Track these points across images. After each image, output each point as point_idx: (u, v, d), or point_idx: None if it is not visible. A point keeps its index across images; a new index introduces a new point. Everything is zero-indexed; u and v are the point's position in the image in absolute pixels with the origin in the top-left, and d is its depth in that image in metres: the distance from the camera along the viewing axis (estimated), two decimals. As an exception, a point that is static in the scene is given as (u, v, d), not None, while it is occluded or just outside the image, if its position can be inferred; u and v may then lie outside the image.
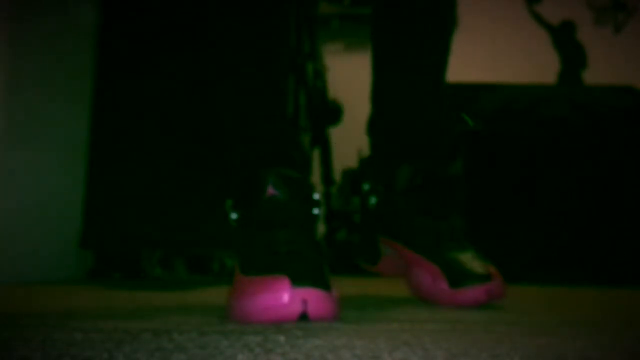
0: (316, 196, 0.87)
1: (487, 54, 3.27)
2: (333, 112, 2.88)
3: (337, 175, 3.17)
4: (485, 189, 2.58)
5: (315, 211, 0.87)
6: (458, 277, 0.93)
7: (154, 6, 1.83)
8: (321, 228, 3.09)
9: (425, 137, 1.05)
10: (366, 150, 1.11)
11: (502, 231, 2.52)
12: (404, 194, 1.02)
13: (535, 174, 2.56)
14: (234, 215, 0.84)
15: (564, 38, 3.07)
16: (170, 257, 1.89)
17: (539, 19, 3.23)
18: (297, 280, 0.67)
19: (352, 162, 3.24)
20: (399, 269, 1.04)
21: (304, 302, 0.66)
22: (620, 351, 0.54)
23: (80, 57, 1.77)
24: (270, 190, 0.82)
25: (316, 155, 2.91)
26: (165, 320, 0.68)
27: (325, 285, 0.69)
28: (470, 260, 0.94)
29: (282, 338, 0.56)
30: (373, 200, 1.05)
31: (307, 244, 0.78)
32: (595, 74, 2.96)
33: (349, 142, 3.21)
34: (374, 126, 1.08)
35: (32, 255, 1.52)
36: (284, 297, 0.66)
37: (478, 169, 2.59)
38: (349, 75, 3.19)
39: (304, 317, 0.66)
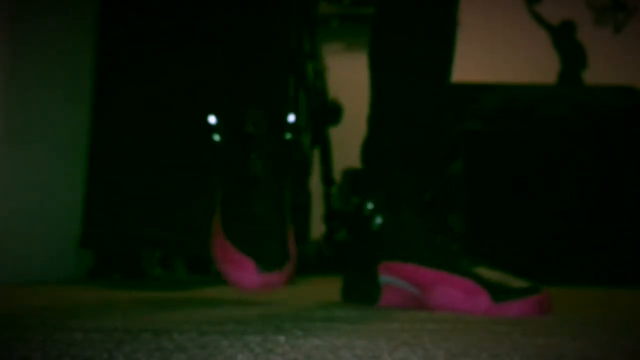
0: (290, 118, 0.95)
1: (487, 54, 3.27)
2: (333, 112, 2.88)
3: (337, 175, 3.17)
4: (485, 189, 2.58)
5: (288, 136, 0.95)
6: (499, 291, 0.89)
7: (154, 6, 1.83)
8: (321, 228, 3.09)
9: (429, 149, 1.01)
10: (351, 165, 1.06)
11: (502, 231, 2.52)
12: (413, 211, 0.97)
13: (536, 174, 2.57)
14: (216, 137, 0.95)
15: (564, 38, 3.07)
16: (170, 257, 1.89)
17: (539, 19, 3.23)
18: (264, 266, 0.82)
19: (352, 162, 3.24)
20: (405, 299, 0.96)
21: (267, 283, 0.81)
22: (620, 351, 0.54)
23: (80, 57, 1.77)
24: (250, 129, 0.91)
25: (316, 155, 2.92)
26: (165, 320, 0.68)
27: (283, 263, 0.84)
28: (497, 274, 0.92)
29: (282, 338, 0.56)
30: (379, 220, 0.99)
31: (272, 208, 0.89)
32: (595, 74, 2.96)
33: (349, 142, 3.21)
34: (370, 147, 1.03)
35: (32, 255, 1.52)
36: (253, 280, 0.81)
37: (478, 169, 2.59)
38: (349, 75, 3.19)
39: None
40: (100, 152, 1.79)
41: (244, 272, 0.82)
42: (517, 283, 0.91)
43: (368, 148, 1.04)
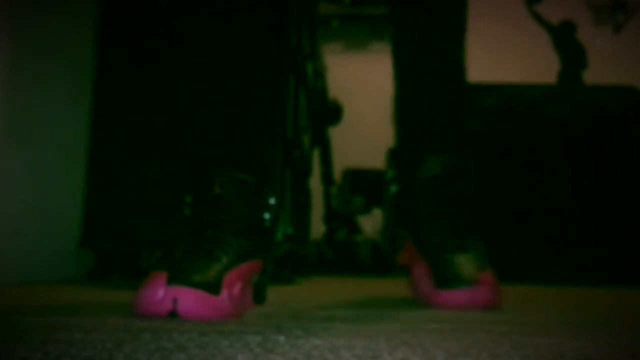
0: (271, 201, 0.87)
1: (487, 54, 3.27)
2: (333, 112, 2.88)
3: (337, 175, 3.17)
4: (485, 189, 2.58)
5: (266, 215, 0.86)
6: (444, 278, 0.92)
7: (154, 6, 1.83)
8: (321, 228, 3.09)
9: (450, 131, 1.05)
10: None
11: (502, 231, 2.52)
12: (423, 186, 1.01)
13: (536, 174, 2.57)
14: (187, 212, 0.87)
15: (564, 38, 3.07)
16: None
17: (539, 19, 3.23)
18: (174, 278, 0.69)
19: (352, 162, 3.24)
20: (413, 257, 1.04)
21: (175, 300, 0.68)
22: (620, 351, 0.54)
23: (80, 57, 1.77)
24: (217, 190, 0.84)
25: (316, 155, 2.92)
26: (165, 320, 0.68)
27: (205, 286, 0.70)
28: (464, 262, 0.93)
29: (282, 338, 0.56)
30: (393, 188, 1.05)
31: (225, 244, 0.78)
32: (595, 74, 2.96)
33: (349, 142, 3.21)
34: (401, 113, 1.07)
35: (32, 255, 1.52)
36: (158, 293, 0.69)
37: (478, 169, 2.58)
38: (349, 75, 3.19)
39: (174, 314, 0.68)
40: (100, 152, 1.79)
41: (149, 286, 0.70)
42: (466, 273, 0.92)
43: (399, 113, 1.07)
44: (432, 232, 0.98)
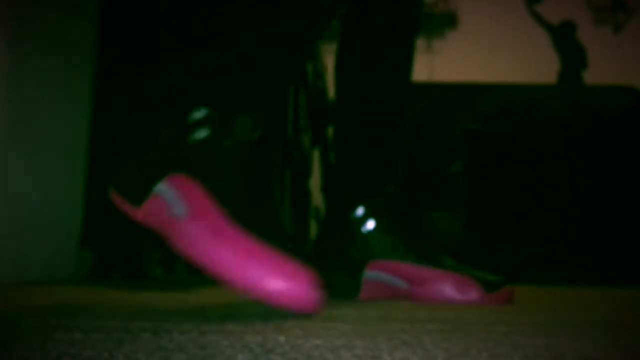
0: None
1: (487, 54, 3.27)
2: (333, 112, 2.88)
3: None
4: (485, 189, 2.58)
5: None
6: (488, 284, 1.05)
7: (154, 6, 1.83)
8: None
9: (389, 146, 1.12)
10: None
11: (502, 231, 2.52)
12: (403, 215, 1.08)
13: (535, 174, 2.57)
14: (202, 133, 0.85)
15: (564, 38, 3.07)
16: (170, 257, 1.89)
17: (539, 19, 3.23)
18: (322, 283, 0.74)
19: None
20: (387, 291, 1.07)
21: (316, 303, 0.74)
22: (620, 351, 0.54)
23: (80, 57, 1.77)
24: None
25: (316, 155, 2.91)
26: (165, 320, 0.68)
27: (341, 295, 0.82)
28: (470, 269, 1.07)
29: (282, 338, 0.56)
30: (371, 223, 1.07)
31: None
32: (595, 74, 2.96)
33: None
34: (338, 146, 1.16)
35: (32, 255, 1.52)
36: (311, 293, 0.73)
37: (478, 169, 2.58)
38: (349, 75, 3.18)
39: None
40: (100, 152, 1.79)
41: (302, 282, 0.73)
42: (491, 276, 1.07)
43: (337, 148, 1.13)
44: (438, 252, 1.07)
